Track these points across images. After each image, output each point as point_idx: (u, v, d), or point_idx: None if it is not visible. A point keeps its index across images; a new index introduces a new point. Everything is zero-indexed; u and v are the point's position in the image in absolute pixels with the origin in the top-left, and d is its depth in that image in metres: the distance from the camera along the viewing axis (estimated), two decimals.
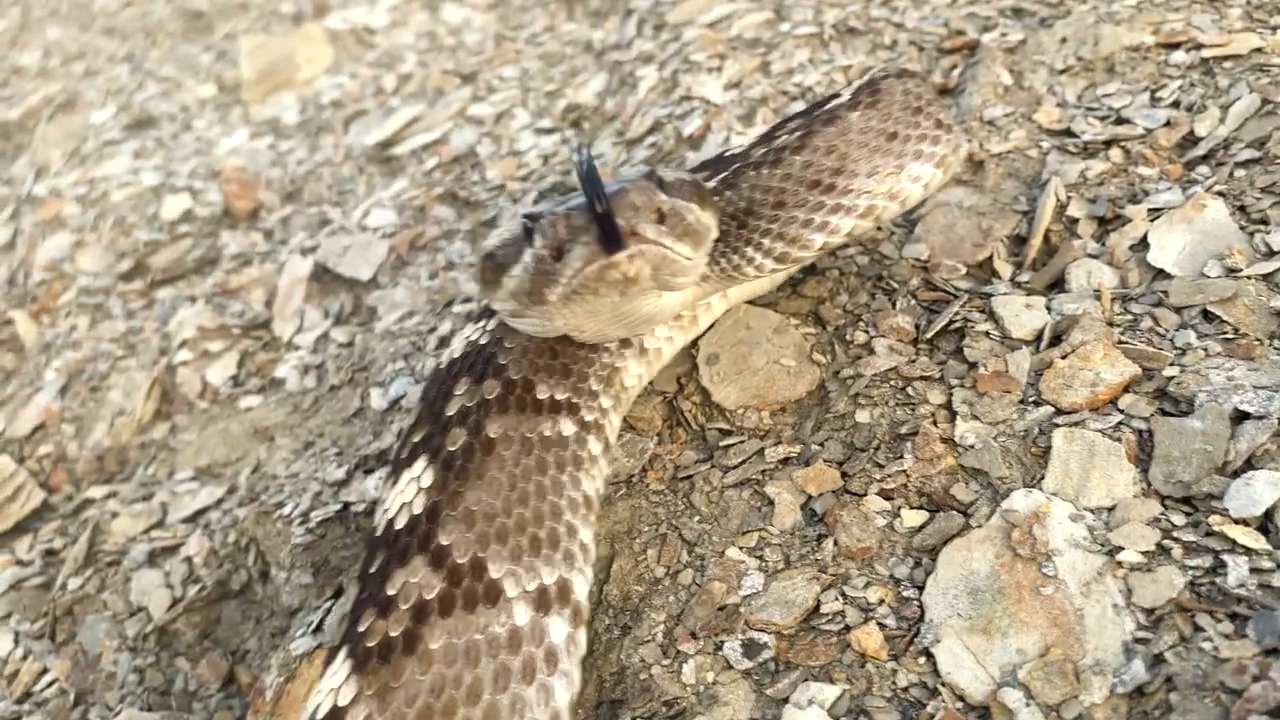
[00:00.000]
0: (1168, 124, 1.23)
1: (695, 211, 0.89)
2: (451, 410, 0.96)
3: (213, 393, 1.62)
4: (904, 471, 0.99)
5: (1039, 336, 1.05)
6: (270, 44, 2.58)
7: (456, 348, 1.08)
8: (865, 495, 0.99)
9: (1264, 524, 0.84)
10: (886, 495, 0.99)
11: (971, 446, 0.98)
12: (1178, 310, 1.03)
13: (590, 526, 0.97)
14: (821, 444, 1.06)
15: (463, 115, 1.97)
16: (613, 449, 1.09)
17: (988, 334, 1.07)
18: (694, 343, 1.21)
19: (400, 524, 0.89)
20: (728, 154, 1.20)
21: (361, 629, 0.84)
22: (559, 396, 1.01)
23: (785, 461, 1.06)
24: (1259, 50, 1.27)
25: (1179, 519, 0.87)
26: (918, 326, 1.12)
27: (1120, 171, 1.20)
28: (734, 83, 1.62)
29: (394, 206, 1.76)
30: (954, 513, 0.95)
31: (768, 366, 1.15)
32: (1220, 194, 1.12)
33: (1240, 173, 1.14)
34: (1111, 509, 0.89)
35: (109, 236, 2.11)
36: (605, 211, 0.79)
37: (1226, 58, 1.28)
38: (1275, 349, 0.96)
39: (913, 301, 1.15)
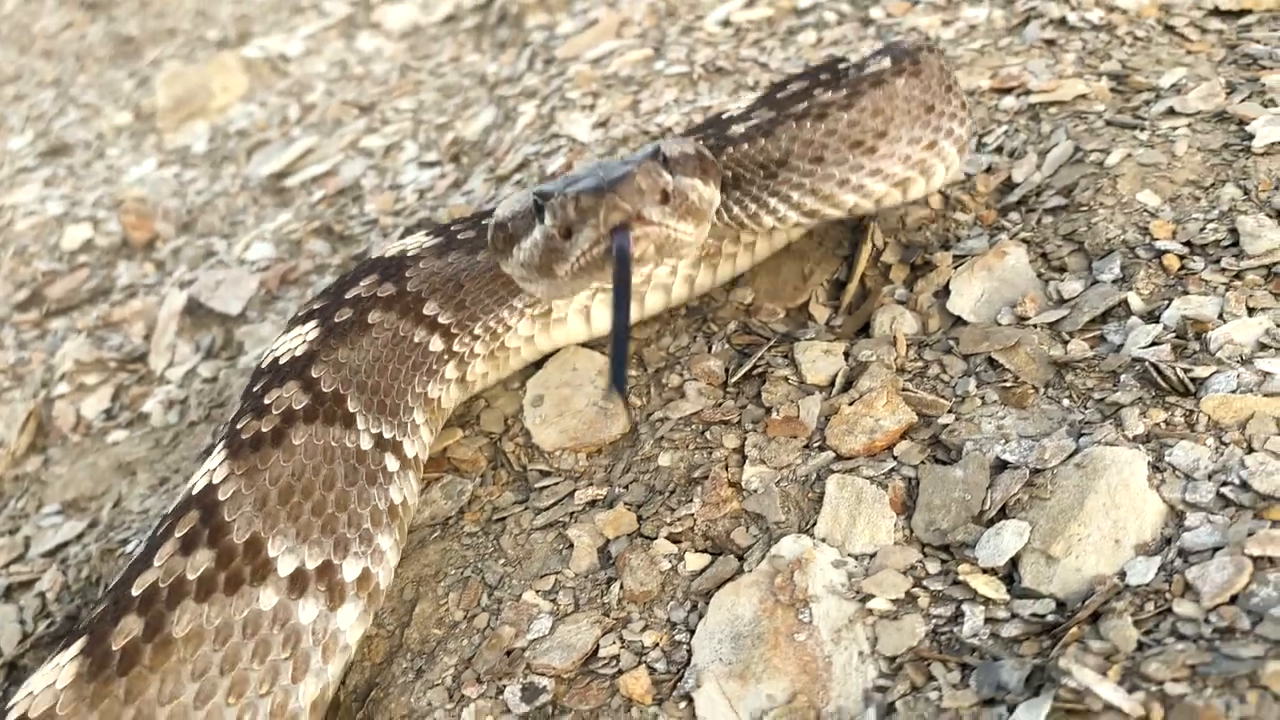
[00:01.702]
0: (989, 170, 1.26)
1: (699, 189, 0.95)
2: (349, 295, 1.15)
3: (85, 426, 1.63)
4: (692, 515, 1.01)
5: (833, 382, 1.07)
6: (186, 72, 2.60)
7: (392, 249, 1.22)
8: (656, 538, 1.01)
9: (1010, 573, 0.87)
10: (674, 539, 1.01)
11: (755, 491, 1.00)
12: (965, 358, 1.05)
13: (436, 415, 1.16)
14: (626, 487, 1.08)
15: (355, 147, 1.99)
16: (469, 381, 1.20)
17: (786, 379, 1.10)
18: (522, 383, 1.24)
19: (284, 360, 1.08)
20: (726, 116, 1.24)
21: (238, 426, 1.00)
22: (442, 320, 1.16)
23: (592, 504, 1.08)
24: (1083, 97, 1.30)
25: (934, 567, 0.90)
26: (727, 370, 1.14)
27: (939, 217, 1.22)
28: (602, 121, 1.64)
29: (273, 240, 1.78)
30: (731, 557, 0.97)
31: (587, 409, 1.17)
32: (1025, 241, 1.15)
33: (1047, 219, 1.16)
34: (873, 556, 0.92)
35: (9, 266, 2.12)
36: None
37: (1052, 103, 1.31)
38: (1048, 398, 0.99)
39: (727, 345, 1.17)
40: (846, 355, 1.10)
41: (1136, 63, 1.35)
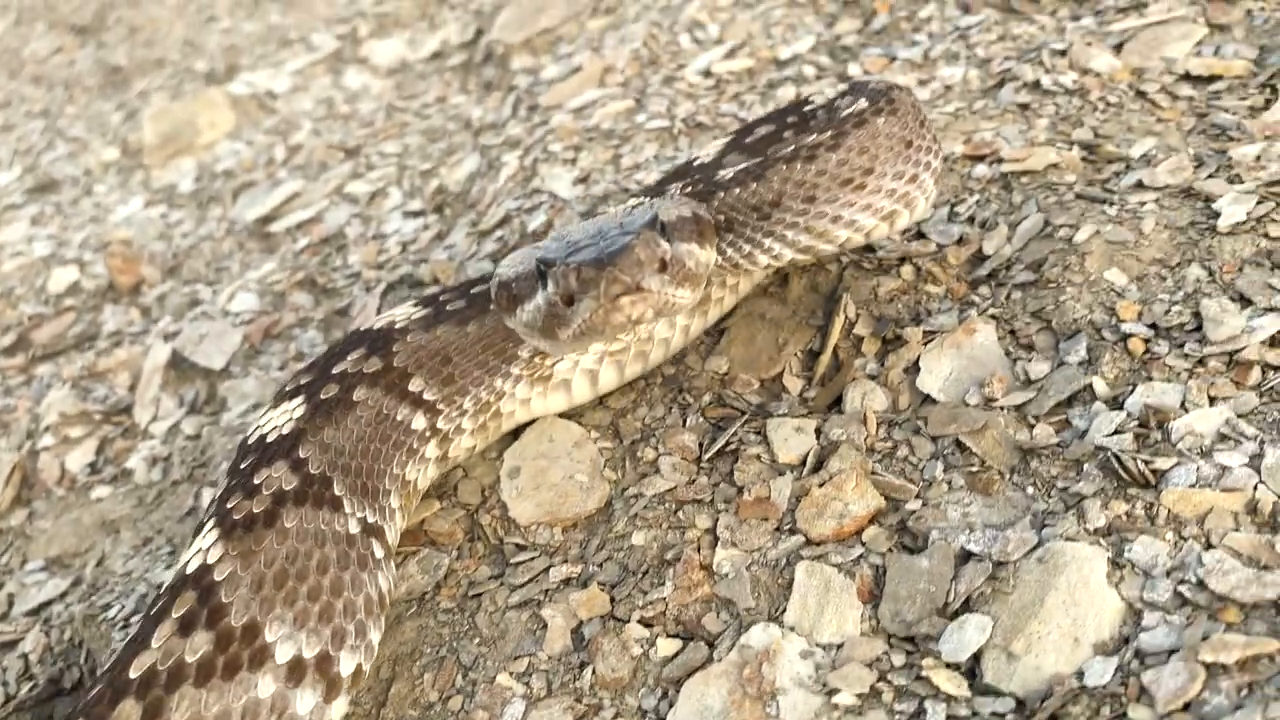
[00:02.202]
0: (960, 241, 1.27)
1: (696, 254, 1.00)
2: (336, 370, 1.16)
3: (70, 480, 1.64)
4: (664, 599, 1.03)
5: (804, 461, 1.09)
6: (173, 108, 2.61)
7: (380, 321, 1.23)
8: (628, 622, 1.03)
9: (972, 668, 0.88)
10: (646, 623, 1.02)
11: (726, 575, 1.02)
12: (934, 439, 1.07)
13: (411, 499, 1.17)
14: (600, 565, 1.09)
15: (340, 193, 2.00)
16: (451, 457, 1.21)
17: (759, 457, 1.11)
18: (500, 454, 1.25)
19: (271, 438, 1.08)
20: (696, 163, 1.31)
21: (229, 505, 1.00)
22: (428, 396, 1.17)
23: (566, 582, 1.10)
24: (1054, 166, 1.32)
25: (899, 659, 0.91)
26: (701, 445, 1.16)
27: (910, 289, 1.24)
28: (583, 177, 1.66)
29: (257, 290, 1.79)
30: (702, 643, 0.98)
31: (563, 482, 1.18)
32: (994, 318, 1.16)
33: (1016, 295, 1.18)
34: (840, 647, 0.93)
35: None
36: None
37: (1024, 173, 1.33)
38: (1014, 484, 1.00)
39: (701, 418, 1.19)
40: (818, 433, 1.11)
41: (1108, 130, 1.36)
